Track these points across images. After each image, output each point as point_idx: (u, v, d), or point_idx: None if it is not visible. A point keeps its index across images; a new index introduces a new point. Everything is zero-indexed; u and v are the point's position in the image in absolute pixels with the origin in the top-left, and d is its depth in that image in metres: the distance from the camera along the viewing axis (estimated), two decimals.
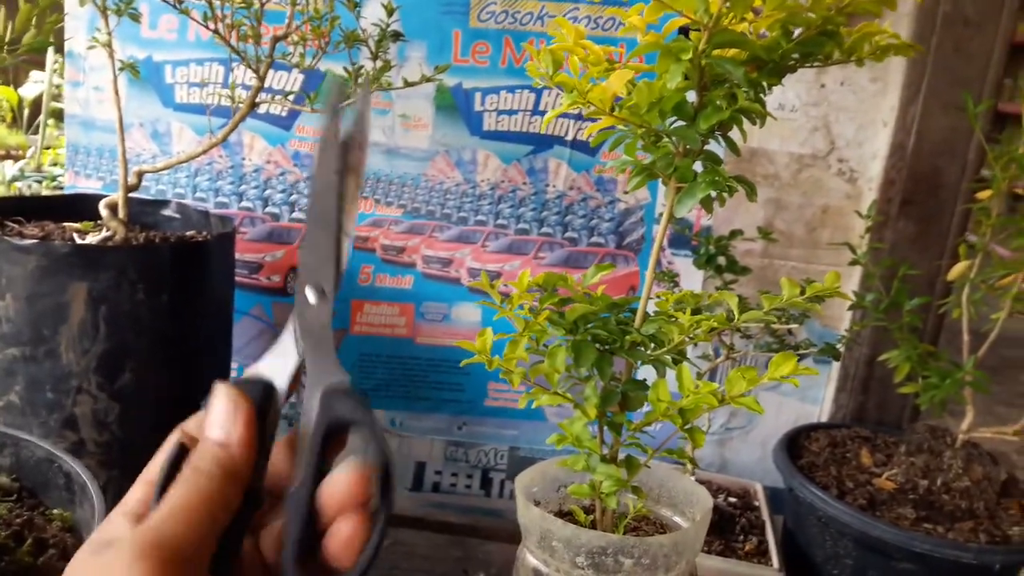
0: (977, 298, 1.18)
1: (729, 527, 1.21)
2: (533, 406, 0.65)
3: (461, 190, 1.42)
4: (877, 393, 1.43)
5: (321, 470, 0.46)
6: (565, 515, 0.73)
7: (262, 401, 0.48)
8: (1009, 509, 1.16)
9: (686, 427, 0.62)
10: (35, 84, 4.02)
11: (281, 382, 0.49)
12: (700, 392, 0.60)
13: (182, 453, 0.46)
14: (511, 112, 1.39)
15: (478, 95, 1.38)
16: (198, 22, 0.93)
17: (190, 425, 0.48)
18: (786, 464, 1.22)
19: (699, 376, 1.24)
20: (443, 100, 1.38)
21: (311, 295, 0.48)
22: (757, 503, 1.30)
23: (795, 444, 1.30)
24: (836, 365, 1.43)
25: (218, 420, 0.45)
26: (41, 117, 3.48)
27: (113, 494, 1.04)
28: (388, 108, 1.38)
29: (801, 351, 1.17)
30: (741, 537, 1.20)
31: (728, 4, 0.53)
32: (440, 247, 1.45)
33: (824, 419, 1.47)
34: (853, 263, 1.22)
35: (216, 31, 0.94)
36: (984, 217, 1.16)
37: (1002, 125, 1.38)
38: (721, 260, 1.21)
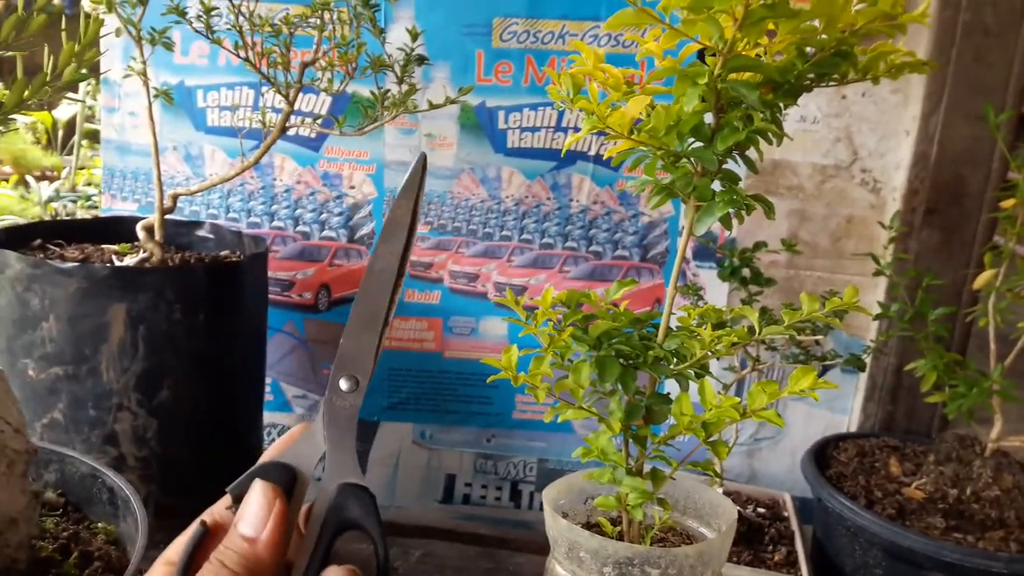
0: (1003, 306, 1.18)
1: (758, 537, 1.22)
2: (559, 420, 0.67)
3: (486, 206, 1.45)
4: (905, 402, 1.43)
5: (324, 563, 0.48)
6: (592, 527, 0.75)
7: (288, 490, 0.50)
8: None
9: (709, 440, 0.64)
10: (68, 106, 4.12)
11: (308, 469, 0.51)
12: (722, 406, 0.61)
13: (203, 537, 0.47)
14: (534, 129, 1.41)
15: (501, 113, 1.41)
16: (229, 51, 0.96)
17: (215, 509, 0.50)
18: (814, 474, 1.23)
19: (725, 388, 1.25)
20: (467, 119, 1.41)
21: (344, 384, 0.50)
22: (786, 513, 1.30)
23: (823, 454, 1.31)
24: (864, 375, 1.43)
25: (251, 517, 0.47)
26: (75, 138, 3.56)
27: (153, 507, 1.07)
28: (415, 128, 1.41)
29: (827, 362, 1.18)
30: (770, 547, 1.20)
31: (741, 31, 0.54)
32: (467, 262, 1.47)
33: (853, 429, 1.47)
34: (877, 274, 1.23)
35: (247, 59, 0.97)
36: (1009, 225, 1.16)
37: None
38: (745, 272, 1.22)
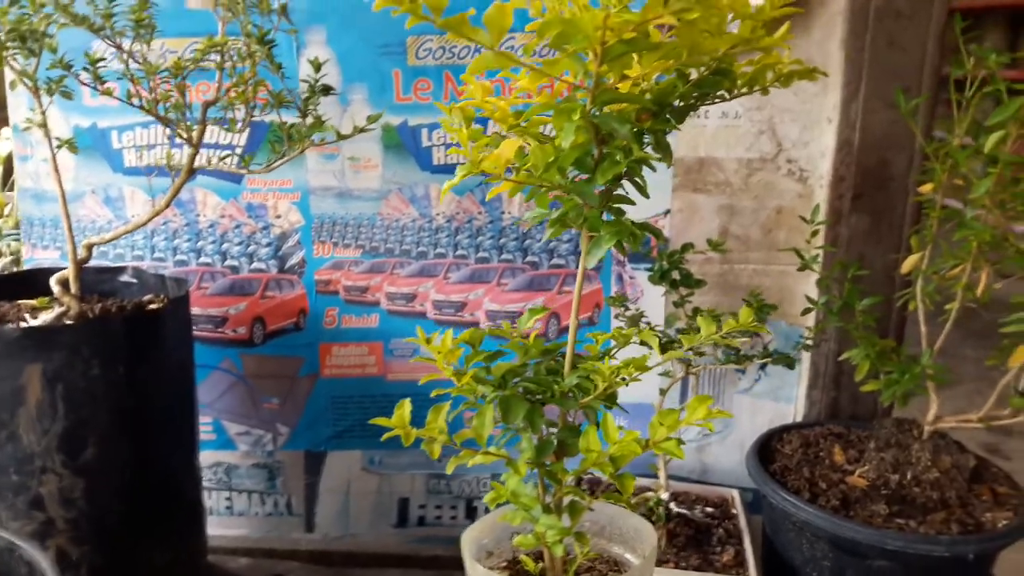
0: (930, 289, 1.18)
1: (706, 539, 1.22)
2: (469, 465, 0.66)
3: (418, 225, 1.43)
4: (849, 388, 1.44)
5: None
6: (517, 564, 0.74)
7: None
8: (981, 495, 1.17)
9: (617, 474, 0.63)
10: (6, 141, 4.02)
11: None
12: (624, 440, 0.60)
13: None
14: (459, 144, 1.39)
15: (424, 131, 1.39)
16: (121, 100, 0.94)
17: None
18: (758, 471, 1.23)
19: (662, 393, 1.25)
20: (390, 139, 1.39)
21: None
22: (735, 511, 1.31)
23: (768, 448, 1.31)
24: (807, 363, 1.43)
25: None
26: (13, 178, 3.48)
27: (87, 568, 1.05)
28: (336, 153, 1.39)
29: (759, 360, 1.18)
30: (719, 548, 1.20)
31: (605, 65, 0.53)
32: (403, 283, 1.45)
33: (799, 416, 1.48)
34: (802, 268, 1.23)
35: (142, 106, 0.95)
36: (930, 209, 1.17)
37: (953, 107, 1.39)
38: (675, 275, 1.22)
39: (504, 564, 0.71)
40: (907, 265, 1.21)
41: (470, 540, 0.72)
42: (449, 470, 0.64)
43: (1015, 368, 1.11)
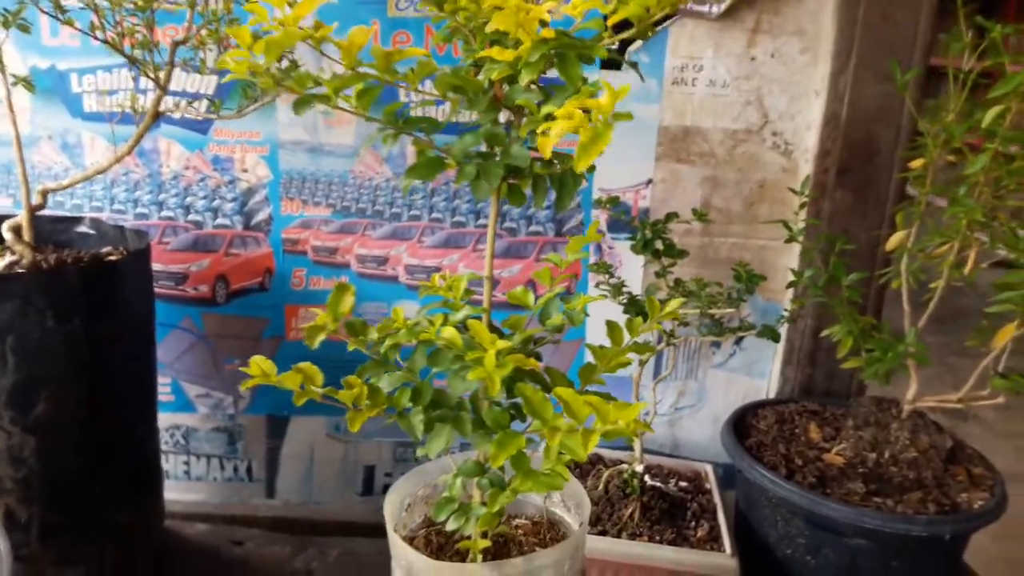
0: (915, 267, 1.17)
1: (680, 513, 1.20)
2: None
3: (392, 185, 1.38)
4: (824, 365, 1.42)
5: None
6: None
7: None
8: (957, 476, 1.16)
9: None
10: None
11: None
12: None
13: None
14: (439, 103, 1.34)
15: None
16: (85, 32, 0.87)
17: None
18: (734, 446, 1.21)
19: (641, 364, 1.22)
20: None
21: None
22: (708, 486, 1.29)
23: (743, 423, 1.29)
24: (783, 339, 1.42)
25: None
26: None
27: (38, 527, 1.00)
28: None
29: (741, 333, 1.15)
30: (693, 523, 1.18)
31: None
32: (374, 245, 1.40)
33: (772, 393, 1.46)
34: (789, 240, 1.20)
35: (106, 41, 0.88)
36: (919, 186, 1.15)
37: (938, 83, 1.37)
38: (658, 244, 1.19)
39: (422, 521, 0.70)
40: (892, 242, 1.19)
41: (393, 508, 0.70)
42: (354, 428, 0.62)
43: (996, 349, 1.10)
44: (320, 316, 0.65)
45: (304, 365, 0.64)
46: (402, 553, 0.64)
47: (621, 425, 0.55)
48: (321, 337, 0.63)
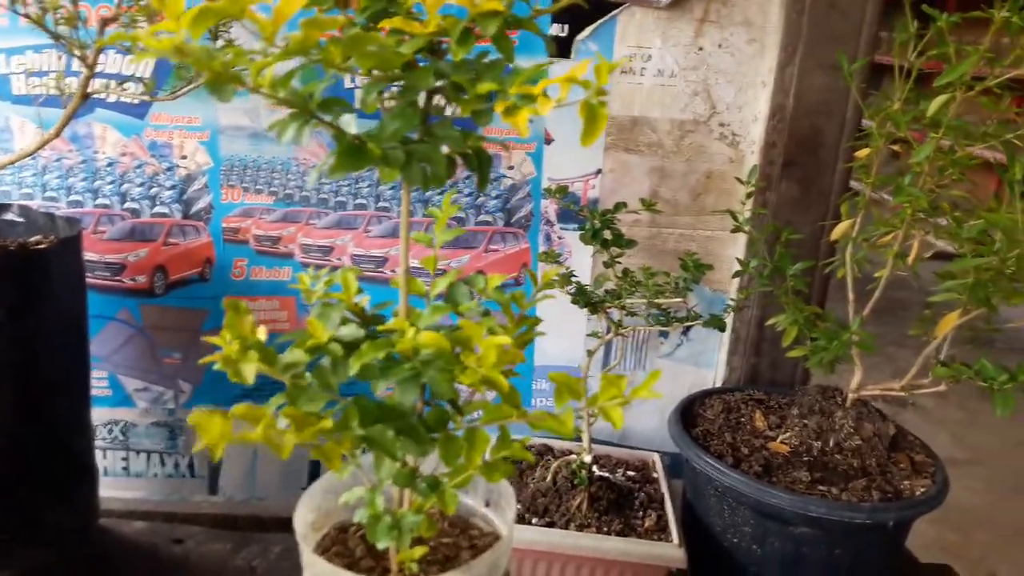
0: (860, 257, 1.18)
1: (628, 503, 1.19)
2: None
3: None
4: (769, 354, 1.43)
5: None
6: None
7: None
8: (899, 463, 1.18)
9: None
10: None
11: None
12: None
13: None
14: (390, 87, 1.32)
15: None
16: (7, 8, 0.83)
17: None
18: (681, 435, 1.21)
19: (590, 354, 1.21)
20: None
21: None
22: (656, 475, 1.29)
23: (690, 412, 1.29)
24: (728, 328, 1.42)
25: None
26: None
27: None
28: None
29: (688, 322, 1.15)
30: (640, 513, 1.18)
31: None
32: (319, 235, 1.37)
33: (719, 382, 1.47)
34: (736, 230, 1.21)
35: (27, 15, 0.84)
36: (864, 175, 1.16)
37: (880, 78, 1.39)
38: (607, 234, 1.18)
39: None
40: (837, 232, 1.20)
41: (302, 517, 0.68)
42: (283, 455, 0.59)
43: (938, 338, 1.12)
44: (227, 348, 0.56)
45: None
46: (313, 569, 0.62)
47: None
48: (251, 368, 0.57)
